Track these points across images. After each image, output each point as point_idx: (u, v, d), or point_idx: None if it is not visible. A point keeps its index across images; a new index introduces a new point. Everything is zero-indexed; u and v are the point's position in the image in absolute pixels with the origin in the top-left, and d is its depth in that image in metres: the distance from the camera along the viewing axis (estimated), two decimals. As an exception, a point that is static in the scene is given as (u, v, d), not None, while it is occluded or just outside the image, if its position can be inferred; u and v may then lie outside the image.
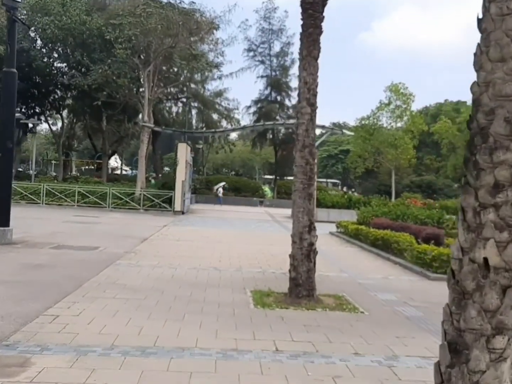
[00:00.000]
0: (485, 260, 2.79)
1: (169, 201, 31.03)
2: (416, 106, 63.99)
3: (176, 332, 6.69)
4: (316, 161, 9.60)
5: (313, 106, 9.36)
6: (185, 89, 49.58)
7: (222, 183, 48.18)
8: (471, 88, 3.00)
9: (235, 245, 17.04)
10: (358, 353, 6.28)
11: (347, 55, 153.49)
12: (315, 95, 9.41)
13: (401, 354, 6.33)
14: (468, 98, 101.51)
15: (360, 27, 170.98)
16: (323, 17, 9.46)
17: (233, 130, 48.74)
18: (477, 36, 3.07)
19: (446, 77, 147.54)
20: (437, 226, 19.71)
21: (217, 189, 46.05)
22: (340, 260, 14.75)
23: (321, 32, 9.48)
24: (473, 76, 3.04)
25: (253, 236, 20.33)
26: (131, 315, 7.36)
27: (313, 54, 9.36)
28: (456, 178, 70.18)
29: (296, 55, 9.76)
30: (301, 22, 9.46)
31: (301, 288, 9.07)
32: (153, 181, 42.03)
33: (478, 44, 3.00)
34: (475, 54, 3.01)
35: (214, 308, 8.15)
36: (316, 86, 9.45)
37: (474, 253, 2.83)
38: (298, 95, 9.50)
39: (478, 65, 2.96)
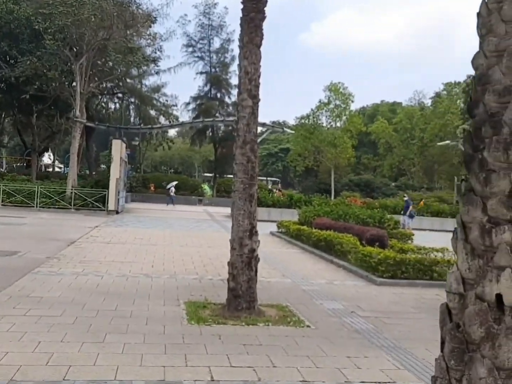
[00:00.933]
0: (499, 297, 1.99)
1: (103, 200, 29.44)
2: (354, 106, 64.59)
3: (93, 359, 5.65)
4: (257, 159, 8.75)
5: (255, 98, 8.50)
6: (121, 84, 47.63)
7: (174, 182, 46.83)
8: (474, 61, 2.19)
9: (170, 247, 15.98)
10: (307, 380, 5.46)
11: (286, 55, 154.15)
12: (257, 86, 8.55)
13: (354, 380, 5.56)
14: (403, 99, 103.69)
15: (299, 28, 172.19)
16: (266, 0, 8.62)
17: (171, 126, 47.26)
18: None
19: (382, 78, 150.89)
20: (378, 226, 19.38)
21: (169, 189, 44.52)
22: (282, 263, 14.00)
23: (263, 18, 8.62)
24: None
25: (190, 237, 19.30)
26: (42, 338, 6.24)
27: (255, 41, 8.49)
28: (392, 177, 71.53)
29: (237, 52, 8.82)
30: (242, 6, 8.58)
31: (241, 299, 8.20)
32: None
33: (484, 1, 2.19)
34: (479, 15, 2.20)
35: (141, 325, 7.14)
36: (259, 77, 8.59)
37: (483, 288, 2.03)
38: (239, 86, 8.61)
39: (485, 29, 2.15)
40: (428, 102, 78.39)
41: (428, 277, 11.85)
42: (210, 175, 64.10)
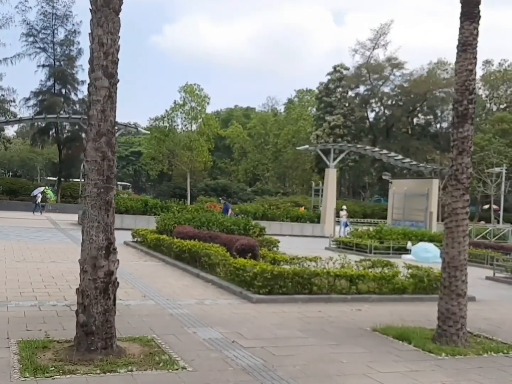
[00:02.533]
0: None
1: None
2: (209, 110, 63.80)
3: None
4: (115, 155, 6.87)
5: (112, 77, 6.62)
6: None
7: (42, 188, 42.10)
8: None
9: (2, 263, 13.22)
10: None
11: (137, 56, 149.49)
12: (115, 62, 6.68)
13: None
14: (257, 104, 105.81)
15: (151, 29, 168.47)
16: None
17: (6, 122, 42.24)
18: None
19: (236, 83, 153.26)
20: (244, 233, 18.22)
21: (35, 195, 39.46)
22: (141, 280, 12.08)
23: (123, -24, 6.79)
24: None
25: (30, 250, 16.45)
26: None
27: (112, 4, 6.62)
28: (247, 182, 72.03)
29: (84, 45, 6.72)
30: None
31: (94, 337, 6.26)
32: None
33: None
34: None
35: None
36: (117, 51, 6.72)
37: None
38: (91, 61, 6.66)
39: None
40: (281, 108, 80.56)
41: (307, 290, 10.78)
42: (54, 178, 58.95)
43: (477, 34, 8.04)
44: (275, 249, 19.17)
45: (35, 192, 40.76)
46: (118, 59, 6.74)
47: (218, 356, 6.61)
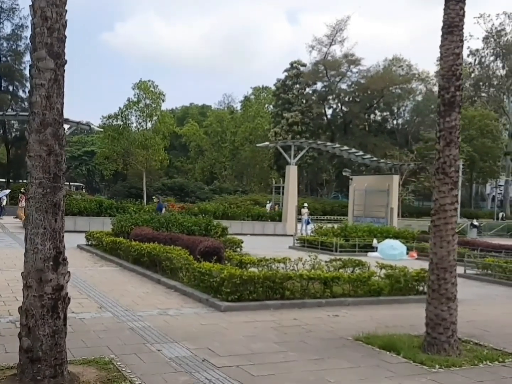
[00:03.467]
0: None
1: None
2: (164, 108, 62.28)
3: None
4: (64, 149, 5.89)
5: (59, 58, 5.63)
6: None
7: (7, 191, 39.75)
8: None
9: None
10: None
11: (88, 55, 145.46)
12: (62, 40, 5.69)
13: None
14: (213, 102, 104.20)
15: (102, 27, 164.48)
16: None
17: None
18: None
19: (190, 81, 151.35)
20: (205, 234, 17.35)
21: (0, 198, 37.07)
22: (96, 288, 11.03)
23: None
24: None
25: (-28, 258, 15.09)
26: None
27: (57, -29, 5.64)
28: (204, 180, 70.83)
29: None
30: None
31: (41, 364, 5.30)
32: None
33: None
34: None
35: None
36: (64, 27, 5.74)
37: None
38: (32, 38, 5.65)
39: None
40: (237, 106, 79.69)
41: (279, 295, 10.00)
42: (3, 180, 56.35)
43: (463, 15, 7.42)
44: (238, 249, 18.42)
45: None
46: (65, 37, 5.75)
47: (188, 380, 5.74)
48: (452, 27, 7.38)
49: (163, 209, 28.23)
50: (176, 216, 18.98)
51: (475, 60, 61.85)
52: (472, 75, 63.04)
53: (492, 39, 59.81)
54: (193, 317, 8.78)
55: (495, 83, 61.34)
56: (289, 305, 9.81)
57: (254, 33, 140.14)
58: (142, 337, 7.36)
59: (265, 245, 23.50)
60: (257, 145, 40.19)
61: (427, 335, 7.25)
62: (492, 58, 60.71)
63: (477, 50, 61.16)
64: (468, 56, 62.41)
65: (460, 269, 16.12)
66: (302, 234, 29.17)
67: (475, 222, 35.45)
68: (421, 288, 11.26)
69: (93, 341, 7.02)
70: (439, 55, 7.52)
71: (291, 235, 24.75)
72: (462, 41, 7.44)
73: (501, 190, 58.37)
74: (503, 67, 60.23)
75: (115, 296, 10.31)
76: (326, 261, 12.41)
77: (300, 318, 8.97)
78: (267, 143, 39.19)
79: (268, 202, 42.59)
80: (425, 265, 18.26)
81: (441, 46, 7.50)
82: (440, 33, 7.51)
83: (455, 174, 7.39)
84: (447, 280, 7.28)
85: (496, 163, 56.59)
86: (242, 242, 18.72)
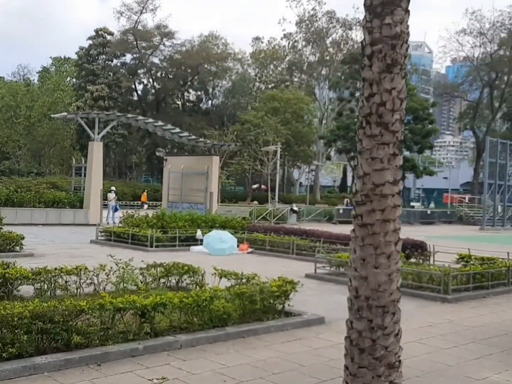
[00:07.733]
0: None
1: None
2: None
3: None
4: None
5: None
6: None
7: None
8: None
9: None
10: None
11: None
12: None
13: None
14: (5, 73, 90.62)
15: None
16: None
17: None
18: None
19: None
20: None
21: None
22: None
23: None
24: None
25: None
26: None
27: None
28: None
29: None
30: None
31: None
32: None
33: None
34: None
35: None
36: None
37: None
38: None
39: None
40: (34, 78, 70.24)
41: (63, 343, 5.72)
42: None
43: None
44: (17, 248, 13.77)
45: None
46: None
47: None
48: None
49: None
50: None
51: (288, 43, 61.78)
52: (287, 58, 63.09)
53: (303, 24, 60.06)
54: None
55: (306, 68, 61.99)
56: (80, 360, 5.59)
57: (54, 3, 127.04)
58: None
59: (60, 239, 18.59)
60: (53, 115, 33.69)
61: None
62: (304, 43, 61.02)
63: (290, 33, 61.08)
64: (282, 39, 62.39)
65: (304, 266, 13.15)
66: (108, 223, 24.48)
67: (295, 207, 34.04)
68: (280, 306, 7.84)
69: None
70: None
71: (95, 225, 20.02)
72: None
73: (312, 175, 59.36)
74: (314, 54, 61.02)
75: None
76: (141, 269, 8.70)
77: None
78: (65, 113, 33.10)
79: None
80: (260, 259, 15.20)
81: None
82: None
83: (399, 126, 3.92)
84: (387, 331, 3.83)
85: (310, 148, 57.29)
86: (23, 238, 13.78)
